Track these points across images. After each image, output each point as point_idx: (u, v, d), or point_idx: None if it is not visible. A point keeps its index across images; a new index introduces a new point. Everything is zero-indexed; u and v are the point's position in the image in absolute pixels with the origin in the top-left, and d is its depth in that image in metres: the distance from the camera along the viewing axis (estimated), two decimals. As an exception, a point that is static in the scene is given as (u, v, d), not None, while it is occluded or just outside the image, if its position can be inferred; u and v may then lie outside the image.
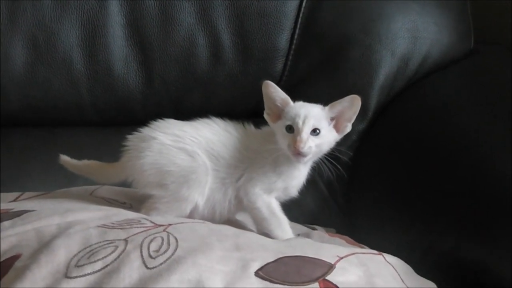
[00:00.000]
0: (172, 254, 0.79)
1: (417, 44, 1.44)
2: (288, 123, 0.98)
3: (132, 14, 1.41)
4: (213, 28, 1.43)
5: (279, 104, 1.01)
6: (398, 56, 1.43)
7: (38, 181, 1.38)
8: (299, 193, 1.06)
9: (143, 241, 0.82)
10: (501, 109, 1.20)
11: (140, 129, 1.03)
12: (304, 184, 1.06)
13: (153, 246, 0.81)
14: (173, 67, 1.43)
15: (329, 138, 1.00)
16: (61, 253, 0.78)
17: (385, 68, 1.42)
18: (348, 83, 1.43)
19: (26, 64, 1.40)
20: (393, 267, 0.91)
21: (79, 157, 1.11)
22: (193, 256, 0.79)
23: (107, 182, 1.11)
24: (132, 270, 0.76)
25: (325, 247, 0.92)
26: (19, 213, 0.91)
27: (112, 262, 0.78)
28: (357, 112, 1.00)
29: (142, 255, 0.79)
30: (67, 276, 0.76)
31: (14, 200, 1.10)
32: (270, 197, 1.02)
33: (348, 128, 1.02)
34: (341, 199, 1.46)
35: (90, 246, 0.80)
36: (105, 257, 0.78)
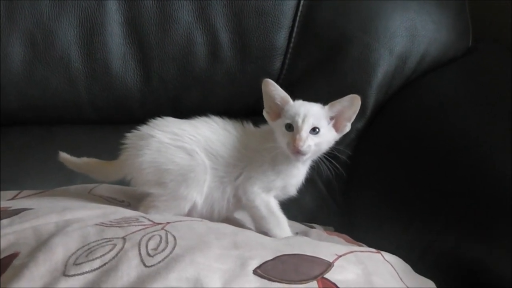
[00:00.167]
0: (170, 253, 0.79)
1: (415, 43, 1.44)
2: (288, 121, 0.98)
3: (130, 12, 1.41)
4: (211, 26, 1.42)
5: (278, 103, 1.01)
6: (396, 55, 1.43)
7: (36, 179, 1.38)
8: (297, 192, 1.06)
9: (141, 239, 0.81)
10: (500, 108, 1.20)
11: (139, 127, 1.03)
12: (302, 183, 1.06)
13: (151, 244, 0.81)
14: (171, 65, 1.43)
15: (328, 137, 1.00)
16: (59, 251, 0.78)
17: (383, 67, 1.42)
18: (346, 82, 1.43)
19: (24, 63, 1.40)
20: (391, 265, 0.91)
21: (77, 155, 1.11)
22: (191, 254, 0.79)
23: (106, 179, 1.11)
24: (130, 269, 0.76)
25: (324, 245, 0.93)
26: (17, 211, 0.91)
27: (110, 260, 0.77)
28: (357, 112, 1.00)
29: (140, 254, 0.79)
30: (65, 274, 0.75)
31: (13, 198, 1.10)
32: (268, 196, 1.02)
33: (348, 128, 1.02)
34: (339, 198, 1.46)
35: (88, 244, 0.80)
36: (103, 255, 0.78)
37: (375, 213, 1.34)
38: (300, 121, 0.97)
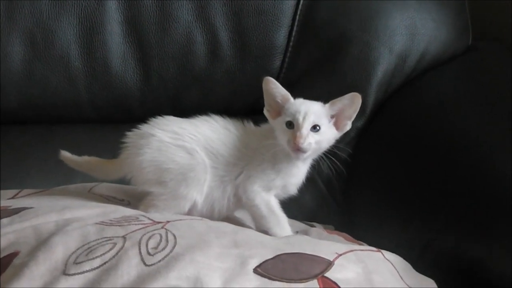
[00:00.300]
0: (171, 251, 0.79)
1: (415, 41, 1.44)
2: (288, 119, 0.98)
3: (130, 11, 1.41)
4: (211, 25, 1.42)
5: (279, 101, 1.01)
6: (396, 53, 1.43)
7: (36, 178, 1.38)
8: (298, 191, 1.06)
9: (141, 238, 0.81)
10: (500, 108, 1.20)
11: (139, 126, 1.03)
12: (303, 182, 1.06)
13: (152, 243, 0.81)
14: (170, 64, 1.43)
15: (328, 135, 1.00)
16: (59, 250, 0.78)
17: (383, 65, 1.42)
18: (346, 80, 1.43)
19: (24, 62, 1.40)
20: (391, 264, 0.91)
21: (77, 154, 1.10)
22: (191, 253, 0.79)
23: (106, 178, 1.11)
24: (131, 267, 0.76)
25: (324, 244, 0.92)
26: (17, 211, 0.91)
27: (110, 259, 0.77)
28: (357, 110, 1.00)
29: (140, 252, 0.79)
30: (65, 273, 0.75)
31: (13, 197, 1.09)
32: (269, 195, 1.02)
33: (348, 126, 1.02)
34: (339, 197, 1.46)
35: (88, 243, 0.80)
36: (103, 254, 0.78)
37: (375, 212, 1.34)
38: (300, 118, 0.97)
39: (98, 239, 0.81)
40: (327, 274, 0.81)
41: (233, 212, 1.08)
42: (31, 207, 0.92)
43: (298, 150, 0.97)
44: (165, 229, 0.85)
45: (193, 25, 1.42)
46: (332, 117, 1.01)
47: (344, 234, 1.17)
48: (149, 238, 0.82)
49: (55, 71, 1.41)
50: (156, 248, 0.80)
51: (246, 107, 1.46)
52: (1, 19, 1.37)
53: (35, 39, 1.39)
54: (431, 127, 1.30)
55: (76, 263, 0.77)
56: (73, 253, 0.78)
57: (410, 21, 1.44)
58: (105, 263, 0.77)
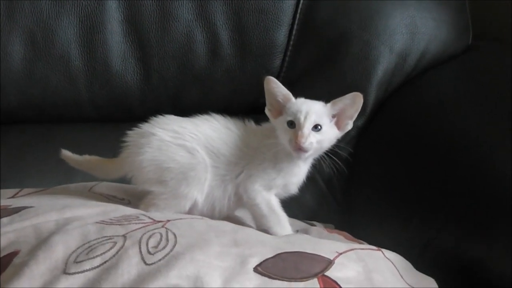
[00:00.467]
0: (171, 250, 0.79)
1: (415, 40, 1.44)
2: (290, 118, 0.98)
3: (130, 10, 1.41)
4: (211, 24, 1.42)
5: (280, 100, 1.01)
6: (396, 52, 1.43)
7: (36, 178, 1.38)
8: (298, 189, 1.06)
9: (141, 237, 0.82)
10: (500, 108, 1.20)
11: (140, 125, 1.03)
12: (304, 181, 1.06)
13: (152, 242, 0.81)
14: (171, 63, 1.43)
15: (330, 134, 1.00)
16: (59, 249, 0.78)
17: (383, 64, 1.42)
18: (346, 79, 1.43)
19: (24, 61, 1.40)
20: (392, 262, 0.91)
21: (77, 153, 1.11)
22: (191, 252, 0.79)
23: (107, 177, 1.11)
24: (131, 266, 0.76)
25: (324, 243, 0.93)
26: (17, 210, 0.91)
27: (110, 258, 0.77)
28: (359, 110, 1.00)
29: (140, 251, 0.79)
30: (65, 272, 0.76)
31: (13, 197, 1.10)
32: (269, 194, 1.02)
33: (349, 126, 1.02)
34: (339, 196, 1.46)
35: (89, 242, 0.80)
36: (103, 253, 0.78)
37: (375, 211, 1.34)
38: (302, 118, 0.97)
39: (99, 238, 0.81)
40: (327, 273, 0.81)
41: (233, 211, 1.08)
42: (31, 206, 0.92)
43: (299, 149, 0.97)
44: (166, 228, 0.85)
45: (193, 24, 1.42)
46: (333, 116, 1.01)
47: (344, 233, 1.17)
48: (150, 237, 0.82)
49: (55, 70, 1.41)
50: (156, 247, 0.80)
51: (246, 106, 1.46)
52: (1, 19, 1.37)
53: (35, 39, 1.39)
54: (431, 126, 1.30)
55: (76, 262, 0.77)
56: (73, 252, 0.78)
57: (410, 20, 1.44)
58: (105, 262, 0.77)
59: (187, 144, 1.00)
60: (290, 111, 0.99)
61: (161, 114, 1.04)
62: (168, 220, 0.88)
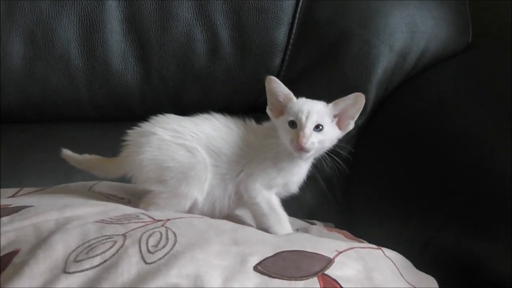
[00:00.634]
0: (171, 249, 0.79)
1: (415, 39, 1.44)
2: (291, 118, 0.98)
3: (129, 9, 1.41)
4: (211, 23, 1.42)
5: (281, 100, 1.01)
6: (396, 51, 1.43)
7: (36, 177, 1.38)
8: (298, 188, 1.06)
9: (141, 236, 0.82)
10: (500, 107, 1.20)
11: (140, 124, 1.03)
12: (304, 180, 1.06)
13: (152, 241, 0.81)
14: (171, 62, 1.43)
15: (331, 134, 1.00)
16: (59, 248, 0.78)
17: (383, 63, 1.42)
18: (346, 78, 1.43)
19: (24, 60, 1.40)
20: (392, 261, 0.91)
21: (77, 152, 1.11)
22: (191, 251, 0.79)
23: (107, 176, 1.11)
24: (131, 265, 0.76)
25: (324, 241, 0.92)
26: (17, 209, 0.91)
27: (110, 257, 0.77)
28: (360, 110, 1.00)
29: (140, 250, 0.79)
30: (65, 271, 0.76)
31: (13, 196, 1.10)
32: (270, 193, 1.02)
33: (351, 126, 1.02)
34: (339, 194, 1.46)
35: (89, 241, 0.80)
36: (103, 252, 0.78)
37: (375, 210, 1.34)
38: (303, 118, 0.97)
39: (98, 237, 0.81)
40: (327, 272, 0.81)
41: (234, 210, 1.08)
42: (31, 206, 0.92)
43: (301, 149, 0.97)
44: (165, 227, 0.85)
45: (193, 23, 1.42)
46: (334, 116, 1.01)
47: (344, 231, 1.17)
48: (149, 236, 0.82)
49: (55, 69, 1.41)
50: (156, 246, 0.80)
51: (246, 105, 1.46)
52: (1, 18, 1.37)
53: (35, 38, 1.39)
54: (431, 125, 1.30)
55: (76, 261, 0.77)
56: (73, 251, 0.78)
57: (410, 19, 1.44)
58: (105, 261, 0.77)
59: (187, 143, 0.99)
60: (292, 111, 0.99)
61: (161, 113, 1.04)
62: (168, 219, 0.88)
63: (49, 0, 1.38)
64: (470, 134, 1.20)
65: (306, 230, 1.12)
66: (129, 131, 1.03)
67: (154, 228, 0.84)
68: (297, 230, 1.11)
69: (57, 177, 1.31)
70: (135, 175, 1.02)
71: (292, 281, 0.77)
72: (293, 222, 1.10)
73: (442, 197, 1.17)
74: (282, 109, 1.01)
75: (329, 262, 0.83)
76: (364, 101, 0.99)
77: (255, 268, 0.79)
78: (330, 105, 1.00)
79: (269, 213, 1.01)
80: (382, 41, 1.42)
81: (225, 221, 0.95)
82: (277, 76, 1.42)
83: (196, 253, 0.79)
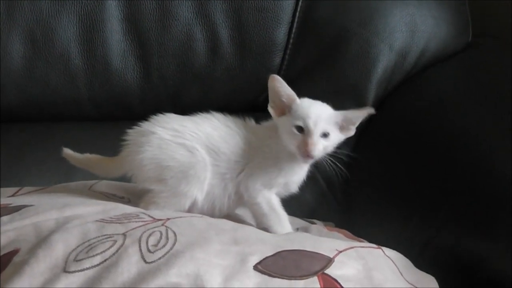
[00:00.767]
0: (171, 249, 0.79)
1: (415, 38, 1.44)
2: (298, 123, 0.98)
3: (129, 8, 1.41)
4: (211, 23, 1.42)
5: (284, 100, 1.01)
6: (396, 50, 1.43)
7: (36, 176, 1.38)
8: (298, 188, 1.06)
9: (141, 235, 0.81)
10: (499, 105, 1.20)
11: (140, 123, 1.03)
12: (304, 180, 1.06)
13: (152, 240, 0.81)
14: (171, 61, 1.43)
15: (336, 140, 1.01)
16: (59, 247, 0.78)
17: (383, 62, 1.42)
18: (346, 77, 1.43)
19: (24, 60, 1.40)
20: (392, 261, 0.91)
21: (77, 152, 1.10)
22: (191, 250, 0.79)
23: (108, 176, 1.10)
24: (131, 265, 0.76)
25: (324, 241, 0.92)
26: (17, 208, 0.91)
27: (110, 256, 0.77)
28: (364, 118, 1.02)
29: (140, 250, 0.79)
30: (65, 270, 0.75)
31: (13, 195, 1.10)
32: (270, 193, 1.02)
33: (352, 132, 1.03)
34: (340, 194, 1.46)
35: (89, 240, 0.80)
36: (103, 251, 0.78)
37: (374, 209, 1.34)
38: (311, 125, 0.97)
39: (98, 237, 0.81)
40: (327, 271, 0.81)
41: (234, 209, 1.08)
42: (32, 205, 0.92)
43: (307, 156, 0.98)
44: (165, 226, 0.85)
45: (193, 22, 1.42)
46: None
47: (344, 231, 1.17)
48: (149, 235, 0.82)
49: (55, 69, 1.41)
50: (156, 245, 0.80)
51: (246, 105, 1.46)
52: (1, 18, 1.37)
53: (35, 37, 1.39)
54: (431, 124, 1.30)
55: (76, 260, 0.77)
56: (73, 250, 0.78)
57: (410, 18, 1.44)
58: (105, 260, 0.77)
59: (187, 142, 0.99)
60: (297, 114, 0.99)
61: (161, 113, 1.04)
62: (168, 219, 0.88)
63: (49, 0, 1.38)
64: (470, 134, 1.20)
65: (306, 230, 1.12)
66: (129, 131, 1.03)
67: (154, 227, 0.84)
68: (297, 229, 1.11)
69: (57, 177, 1.31)
70: (135, 174, 1.02)
71: (292, 281, 0.77)
72: (293, 221, 1.10)
73: (442, 197, 1.17)
74: (284, 108, 1.01)
75: (329, 261, 0.83)
76: (373, 112, 1.01)
77: (255, 268, 0.79)
78: (338, 113, 1.01)
79: (269, 213, 1.01)
80: (382, 41, 1.43)
81: (225, 221, 0.95)
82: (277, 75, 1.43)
83: (196, 252, 0.79)
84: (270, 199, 1.02)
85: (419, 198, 1.22)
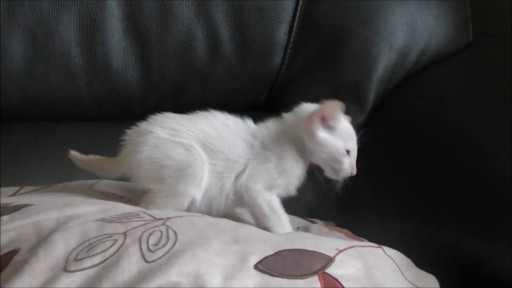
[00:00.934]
0: (171, 248, 0.79)
1: (415, 37, 1.44)
2: (348, 147, 1.02)
3: (130, 8, 1.41)
4: (211, 22, 1.42)
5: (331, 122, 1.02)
6: (396, 49, 1.43)
7: (37, 175, 1.38)
8: (299, 187, 1.06)
9: (142, 234, 0.81)
10: (500, 104, 1.20)
11: (138, 123, 1.03)
12: (305, 178, 1.06)
13: (152, 239, 0.81)
14: (171, 61, 1.43)
15: None
16: (60, 247, 0.78)
17: (384, 61, 1.43)
18: (347, 77, 1.43)
19: (24, 59, 1.40)
20: (392, 260, 0.91)
21: (77, 151, 1.10)
22: (192, 249, 0.79)
23: (109, 176, 1.10)
24: (131, 264, 0.76)
25: (324, 240, 0.92)
26: (18, 208, 0.91)
27: (111, 256, 0.77)
28: None
29: (141, 249, 0.79)
30: (66, 270, 0.75)
31: (13, 195, 1.10)
32: (271, 194, 1.02)
33: None
34: (340, 193, 1.46)
35: (89, 240, 0.80)
36: (104, 251, 0.78)
37: (375, 208, 1.34)
38: (355, 149, 1.02)
39: (99, 236, 0.81)
40: (327, 270, 0.81)
41: (231, 209, 1.08)
42: (32, 204, 0.92)
43: (345, 176, 1.03)
44: (166, 225, 0.85)
45: (193, 21, 1.42)
46: None
47: (344, 230, 1.17)
48: (150, 234, 0.82)
49: (55, 68, 1.41)
50: (156, 244, 0.80)
51: (247, 104, 1.46)
52: (1, 17, 1.37)
53: (36, 37, 1.39)
54: (431, 123, 1.30)
55: (76, 259, 0.77)
56: (73, 249, 0.78)
57: (411, 17, 1.44)
58: (105, 259, 0.77)
59: (184, 141, 0.99)
60: (342, 135, 1.02)
61: (161, 112, 1.04)
62: (169, 218, 0.88)
63: (50, -1, 1.39)
64: (471, 133, 1.20)
65: (306, 229, 1.12)
66: (128, 131, 1.03)
67: (155, 226, 0.84)
68: (298, 228, 1.11)
69: (58, 176, 1.31)
70: (134, 174, 1.02)
71: (293, 280, 0.77)
72: (294, 220, 1.10)
73: (442, 196, 1.17)
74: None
75: (329, 260, 0.83)
76: None
77: (256, 267, 0.79)
78: None
79: (270, 214, 1.01)
80: (382, 40, 1.43)
81: (225, 220, 0.94)
82: (278, 74, 1.43)
83: (197, 251, 0.79)
84: (270, 201, 1.01)
85: (419, 197, 1.22)
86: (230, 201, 1.02)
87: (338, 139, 1.01)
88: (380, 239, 1.01)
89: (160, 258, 0.77)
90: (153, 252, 0.78)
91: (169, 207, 0.98)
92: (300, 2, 1.45)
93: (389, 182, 1.33)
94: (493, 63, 1.39)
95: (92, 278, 0.75)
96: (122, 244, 0.79)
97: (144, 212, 0.91)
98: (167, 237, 0.82)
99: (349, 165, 1.02)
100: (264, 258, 0.80)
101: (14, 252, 0.80)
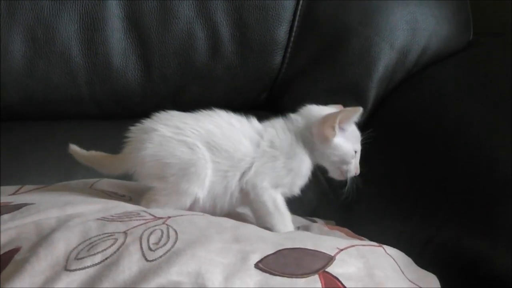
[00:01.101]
0: (172, 247, 0.79)
1: (416, 36, 1.44)
2: (356, 148, 1.04)
3: (130, 7, 1.41)
4: (212, 21, 1.42)
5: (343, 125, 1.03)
6: (397, 48, 1.43)
7: (37, 175, 1.38)
8: (300, 190, 1.06)
9: (142, 233, 0.81)
10: (500, 103, 1.20)
11: (143, 120, 1.03)
12: (308, 180, 1.06)
13: (153, 238, 0.81)
14: (171, 60, 1.43)
15: None
16: (60, 246, 0.78)
17: (384, 60, 1.43)
18: (347, 76, 1.43)
19: (25, 58, 1.40)
20: (393, 259, 0.91)
21: (77, 148, 1.11)
22: (192, 248, 0.79)
23: (111, 173, 1.10)
24: (132, 263, 0.76)
25: (325, 239, 0.92)
26: (18, 206, 0.91)
27: (111, 255, 0.77)
28: None
29: (141, 248, 0.79)
30: (66, 269, 0.75)
31: (14, 194, 1.10)
32: (276, 192, 1.02)
33: None
34: (340, 192, 1.46)
35: (90, 239, 0.80)
36: (104, 250, 0.78)
37: (375, 208, 1.34)
38: (360, 149, 1.04)
39: (99, 235, 0.81)
40: (328, 269, 0.81)
41: (235, 208, 1.08)
42: (33, 203, 0.92)
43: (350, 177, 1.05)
44: (166, 224, 0.85)
45: (194, 21, 1.42)
46: None
47: (345, 229, 1.17)
48: (150, 233, 0.82)
49: (56, 67, 1.41)
50: (157, 243, 0.80)
51: (247, 103, 1.46)
52: (2, 16, 1.37)
53: (36, 36, 1.39)
54: (431, 123, 1.30)
55: (77, 258, 0.77)
56: (74, 248, 0.78)
57: (411, 16, 1.44)
58: (106, 258, 0.77)
59: (188, 139, 0.99)
60: (351, 137, 1.04)
61: (162, 111, 1.04)
62: (169, 217, 0.88)
63: (50, -2, 1.39)
64: (471, 133, 1.20)
65: (307, 228, 1.12)
66: (132, 128, 1.03)
67: (155, 225, 0.84)
68: (298, 227, 1.11)
69: (58, 175, 1.31)
70: (137, 172, 1.02)
71: (293, 279, 0.77)
72: (294, 219, 1.10)
73: (442, 196, 1.17)
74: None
75: (330, 259, 0.83)
76: None
77: (256, 266, 0.79)
78: None
79: (273, 212, 1.01)
80: (383, 39, 1.43)
81: (226, 219, 0.94)
82: (278, 74, 1.43)
83: (197, 250, 0.79)
84: (275, 199, 1.02)
85: (419, 197, 1.22)
86: (235, 199, 1.02)
87: (349, 142, 1.03)
88: (380, 239, 1.01)
89: (160, 257, 0.77)
90: (153, 251, 0.78)
91: (171, 206, 0.98)
92: (301, 1, 1.45)
93: (389, 182, 1.33)
94: (493, 63, 1.39)
95: (93, 277, 0.75)
96: (123, 243, 0.79)
97: (145, 211, 0.91)
98: (168, 236, 0.82)
99: (354, 166, 1.04)
100: (265, 257, 0.80)
101: (15, 251, 0.80)
